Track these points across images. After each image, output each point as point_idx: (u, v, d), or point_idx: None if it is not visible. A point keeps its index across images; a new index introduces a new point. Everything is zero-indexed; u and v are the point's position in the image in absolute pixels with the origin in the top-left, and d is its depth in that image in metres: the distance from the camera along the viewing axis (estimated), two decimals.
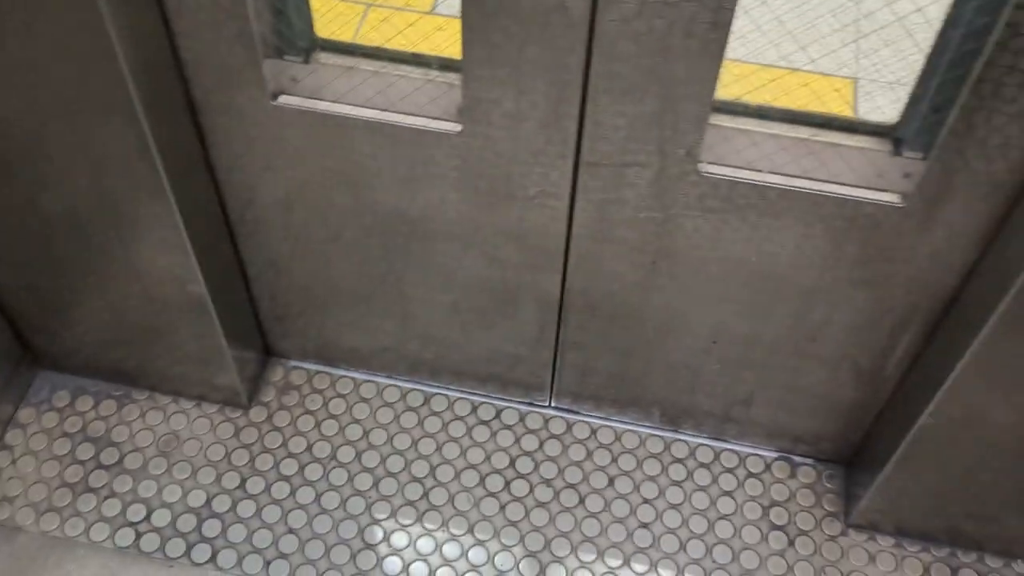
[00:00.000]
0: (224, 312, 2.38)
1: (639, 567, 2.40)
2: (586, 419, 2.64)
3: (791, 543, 2.45)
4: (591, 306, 2.26)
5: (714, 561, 2.41)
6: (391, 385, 2.70)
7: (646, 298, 2.20)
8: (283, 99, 1.93)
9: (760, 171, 1.85)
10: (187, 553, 2.39)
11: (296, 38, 1.89)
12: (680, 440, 2.61)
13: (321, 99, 1.93)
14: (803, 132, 1.83)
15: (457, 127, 1.88)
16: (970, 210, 1.78)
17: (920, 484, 2.28)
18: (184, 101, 1.95)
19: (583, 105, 1.78)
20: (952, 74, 1.61)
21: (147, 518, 2.45)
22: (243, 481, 2.51)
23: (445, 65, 1.90)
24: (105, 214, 2.12)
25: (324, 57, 1.92)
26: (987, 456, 2.15)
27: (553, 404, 2.65)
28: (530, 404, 2.66)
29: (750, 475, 2.56)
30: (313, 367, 2.73)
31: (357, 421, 2.63)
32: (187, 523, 2.44)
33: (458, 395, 2.68)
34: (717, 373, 2.37)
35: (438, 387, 2.69)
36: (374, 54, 1.91)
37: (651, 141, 1.80)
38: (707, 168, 1.85)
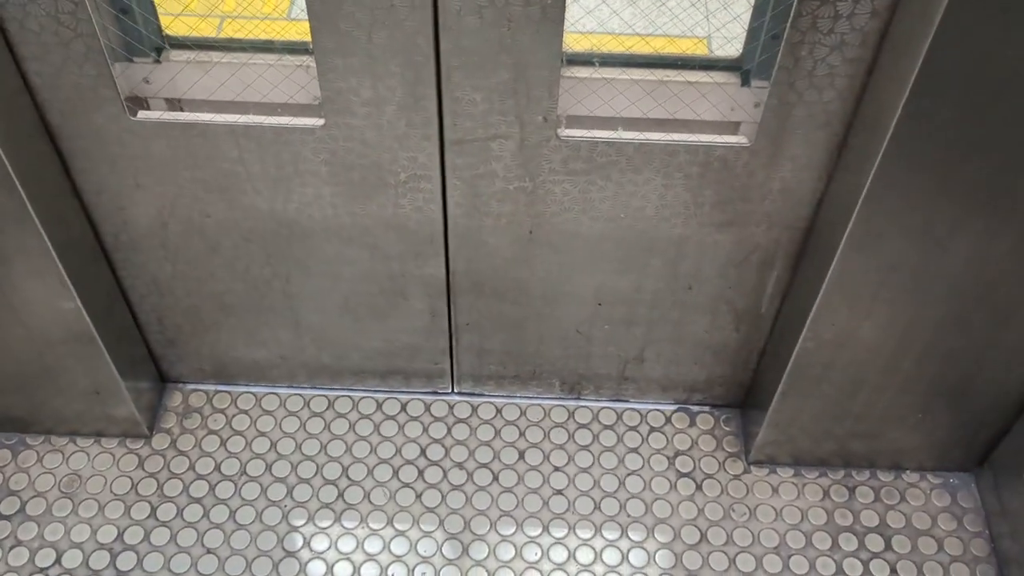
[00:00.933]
0: (112, 342, 2.35)
1: (558, 532, 2.46)
2: (490, 399, 2.69)
3: (699, 487, 2.55)
4: (477, 285, 2.32)
5: (629, 515, 2.50)
6: (294, 394, 2.70)
7: (529, 269, 2.27)
8: (142, 114, 1.93)
9: (616, 129, 1.94)
10: None
11: (144, 39, 1.89)
12: (583, 406, 2.69)
13: (178, 97, 1.93)
14: (657, 76, 1.92)
15: (320, 121, 1.92)
16: (810, 141, 1.91)
17: (806, 412, 2.42)
18: (41, 127, 1.93)
19: (440, 84, 1.84)
20: (783, 3, 1.72)
21: (58, 561, 2.39)
22: (153, 510, 2.48)
23: (299, 49, 1.92)
24: None
25: (176, 55, 1.92)
26: (861, 375, 2.29)
27: (456, 390, 2.69)
28: (434, 393, 2.70)
29: (652, 429, 2.66)
30: (212, 387, 2.71)
31: (263, 434, 2.62)
32: (100, 560, 2.39)
33: (362, 394, 2.70)
34: (608, 335, 2.46)
35: (341, 389, 2.71)
36: (226, 46, 1.92)
37: (509, 112, 1.87)
38: (565, 132, 1.93)
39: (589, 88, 1.92)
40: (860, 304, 2.08)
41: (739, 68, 1.92)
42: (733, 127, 2.00)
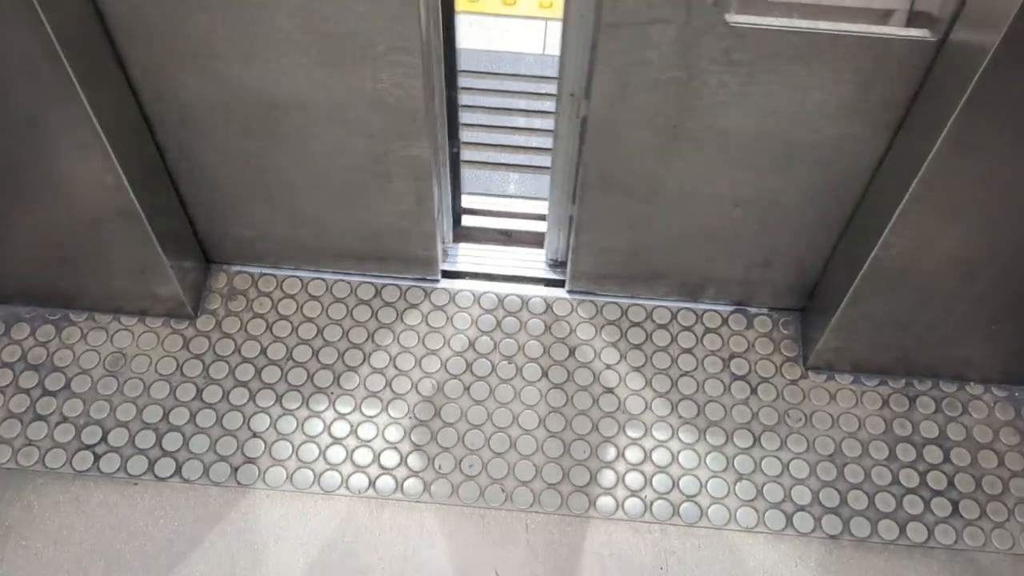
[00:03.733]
0: (157, 219, 2.28)
1: (608, 431, 2.42)
2: (604, 298, 2.61)
3: (754, 391, 2.48)
4: (606, 180, 2.18)
5: (680, 417, 2.44)
6: (340, 280, 2.63)
7: (665, 166, 2.12)
8: None
9: (790, 16, 1.77)
10: (151, 469, 2.34)
11: None
12: (637, 304, 2.61)
13: None
14: None
15: None
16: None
17: (874, 319, 2.32)
18: None
19: None
20: None
21: (104, 439, 2.38)
22: (199, 392, 2.45)
23: None
24: (17, 128, 1.98)
25: None
26: (938, 284, 2.18)
27: (568, 288, 2.60)
28: (423, 280, 2.61)
29: (708, 331, 2.58)
30: (256, 270, 2.64)
31: (309, 319, 2.57)
32: (146, 439, 2.38)
33: (410, 284, 2.63)
34: (738, 237, 2.33)
35: (390, 278, 2.63)
36: None
37: None
38: (734, 18, 1.76)
39: None
40: (947, 210, 1.95)
41: None
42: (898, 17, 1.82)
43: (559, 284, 2.63)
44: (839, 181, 2.12)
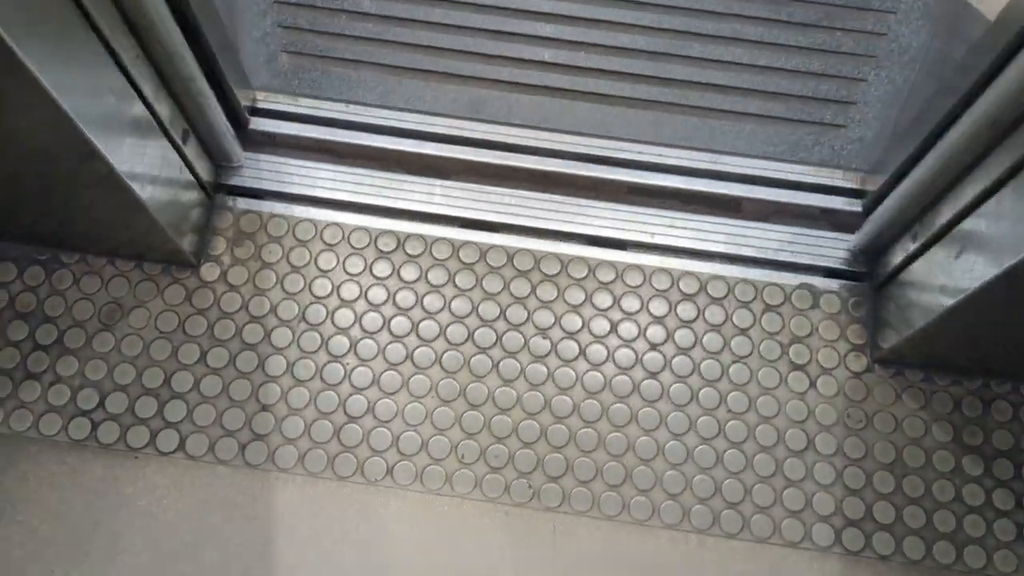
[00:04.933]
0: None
1: (648, 424, 2.21)
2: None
3: (812, 384, 2.24)
4: None
5: (729, 410, 2.22)
6: (359, 228, 2.34)
7: None
8: None
9: None
10: (152, 442, 2.17)
11: None
12: (689, 273, 2.32)
13: None
14: None
15: None
16: None
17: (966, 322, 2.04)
18: None
19: None
20: None
21: (101, 404, 2.19)
22: (203, 354, 2.24)
23: None
24: None
25: None
26: None
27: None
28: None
29: (768, 308, 2.30)
30: (266, 208, 2.36)
31: (324, 274, 2.31)
32: (147, 407, 2.19)
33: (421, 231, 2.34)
34: None
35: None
36: None
37: None
38: None
39: None
40: None
41: None
42: None
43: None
44: None
